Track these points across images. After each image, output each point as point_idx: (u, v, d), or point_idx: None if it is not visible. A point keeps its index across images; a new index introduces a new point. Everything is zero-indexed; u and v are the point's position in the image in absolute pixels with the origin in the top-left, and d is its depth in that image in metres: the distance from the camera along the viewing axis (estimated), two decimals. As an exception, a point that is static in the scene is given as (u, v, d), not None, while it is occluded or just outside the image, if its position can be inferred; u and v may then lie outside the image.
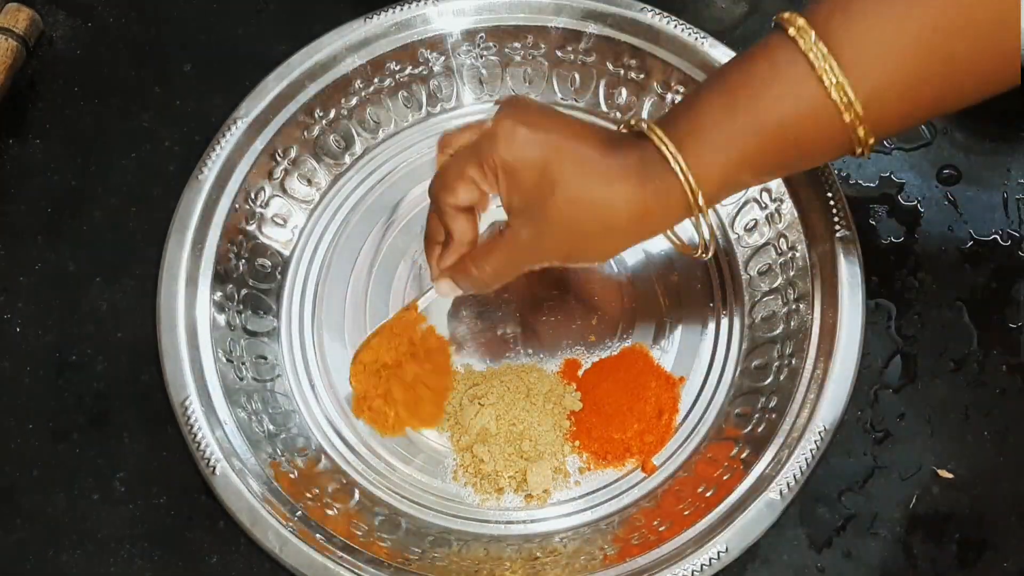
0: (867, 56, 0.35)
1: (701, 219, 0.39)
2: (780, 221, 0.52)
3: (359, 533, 0.46)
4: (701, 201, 0.38)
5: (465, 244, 0.43)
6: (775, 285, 0.51)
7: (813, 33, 0.35)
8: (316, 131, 0.55)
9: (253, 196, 0.53)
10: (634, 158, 0.38)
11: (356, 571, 0.43)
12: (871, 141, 0.36)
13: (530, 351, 0.52)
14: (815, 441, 0.44)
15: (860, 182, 0.55)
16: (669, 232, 0.43)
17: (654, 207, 0.39)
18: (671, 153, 0.37)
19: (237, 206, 0.52)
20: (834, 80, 0.35)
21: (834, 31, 0.35)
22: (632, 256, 0.54)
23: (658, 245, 0.54)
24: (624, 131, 0.41)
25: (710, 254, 0.42)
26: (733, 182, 0.39)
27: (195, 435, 0.46)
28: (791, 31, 0.36)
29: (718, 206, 0.54)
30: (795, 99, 0.36)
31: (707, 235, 0.40)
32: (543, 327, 0.52)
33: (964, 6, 0.34)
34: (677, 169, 0.37)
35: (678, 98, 0.54)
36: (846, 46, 0.35)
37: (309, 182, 0.55)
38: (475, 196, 0.41)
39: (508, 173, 0.39)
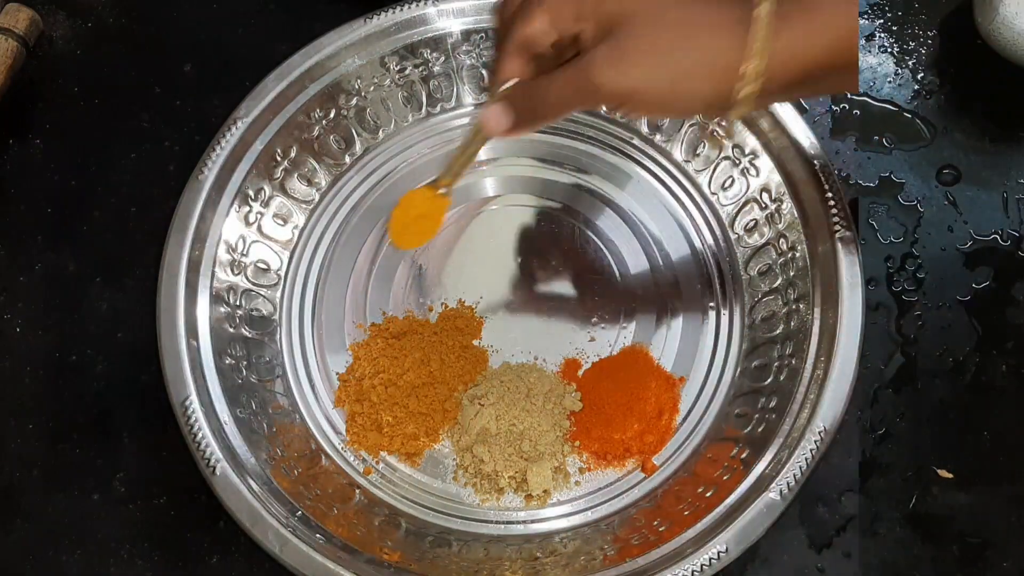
0: None
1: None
2: (780, 221, 0.52)
3: (359, 533, 0.46)
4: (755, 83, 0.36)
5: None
6: (775, 285, 0.51)
7: None
8: (316, 131, 0.55)
9: (253, 196, 0.53)
10: (739, 4, 0.36)
11: (356, 571, 0.43)
12: None
13: (530, 351, 0.52)
14: (815, 441, 0.44)
15: (860, 182, 0.55)
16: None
17: (746, 61, 0.36)
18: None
19: (237, 206, 0.52)
20: None
21: None
22: (632, 255, 0.54)
23: (657, 244, 0.54)
24: None
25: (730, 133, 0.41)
26: (825, 69, 0.36)
27: (195, 435, 0.46)
28: None
29: (718, 206, 0.54)
30: None
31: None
32: (544, 326, 0.52)
33: None
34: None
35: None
36: None
37: (309, 182, 0.55)
38: (550, 31, 0.38)
39: None
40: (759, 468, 0.45)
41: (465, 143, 0.43)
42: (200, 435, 0.46)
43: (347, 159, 0.56)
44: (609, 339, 0.52)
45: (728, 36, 0.36)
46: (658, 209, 0.55)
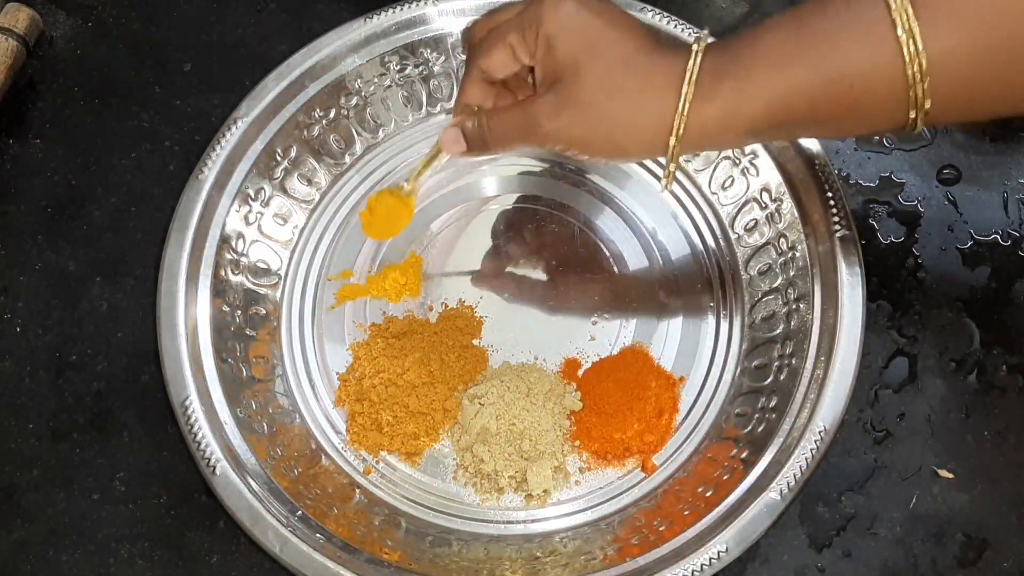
0: (944, 18, 0.35)
1: (672, 157, 0.39)
2: (780, 221, 0.52)
3: (359, 533, 0.46)
4: (673, 139, 0.38)
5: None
6: (775, 285, 0.51)
7: None
8: (316, 131, 0.55)
9: (253, 196, 0.53)
10: (679, 67, 0.38)
11: (356, 571, 0.43)
12: (927, 107, 0.36)
13: (530, 351, 0.52)
14: (815, 441, 0.44)
15: (860, 182, 0.55)
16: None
17: (676, 122, 0.38)
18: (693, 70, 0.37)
19: (237, 206, 0.52)
20: (907, 26, 0.35)
21: None
22: (632, 255, 0.54)
23: (657, 244, 0.54)
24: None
25: (667, 186, 0.42)
26: (766, 127, 0.38)
27: (195, 435, 0.46)
28: None
29: (718, 205, 0.54)
30: (866, 43, 0.35)
31: (669, 171, 0.40)
32: (544, 326, 0.52)
33: None
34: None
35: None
36: (926, 3, 0.35)
37: (309, 182, 0.55)
38: (510, 65, 0.41)
39: (547, 43, 0.39)
40: (759, 468, 0.45)
41: (430, 155, 0.46)
42: (200, 435, 0.46)
43: (347, 159, 0.56)
44: (609, 339, 0.52)
45: (664, 96, 0.38)
46: (658, 209, 0.55)
